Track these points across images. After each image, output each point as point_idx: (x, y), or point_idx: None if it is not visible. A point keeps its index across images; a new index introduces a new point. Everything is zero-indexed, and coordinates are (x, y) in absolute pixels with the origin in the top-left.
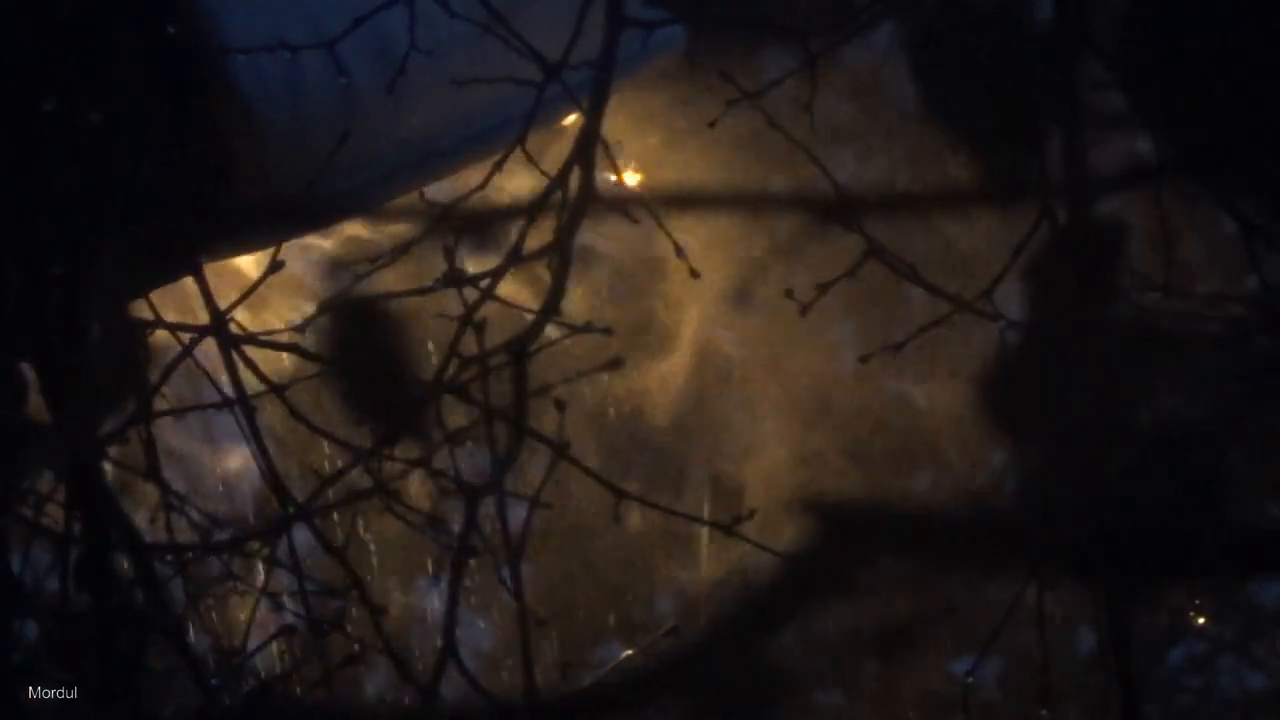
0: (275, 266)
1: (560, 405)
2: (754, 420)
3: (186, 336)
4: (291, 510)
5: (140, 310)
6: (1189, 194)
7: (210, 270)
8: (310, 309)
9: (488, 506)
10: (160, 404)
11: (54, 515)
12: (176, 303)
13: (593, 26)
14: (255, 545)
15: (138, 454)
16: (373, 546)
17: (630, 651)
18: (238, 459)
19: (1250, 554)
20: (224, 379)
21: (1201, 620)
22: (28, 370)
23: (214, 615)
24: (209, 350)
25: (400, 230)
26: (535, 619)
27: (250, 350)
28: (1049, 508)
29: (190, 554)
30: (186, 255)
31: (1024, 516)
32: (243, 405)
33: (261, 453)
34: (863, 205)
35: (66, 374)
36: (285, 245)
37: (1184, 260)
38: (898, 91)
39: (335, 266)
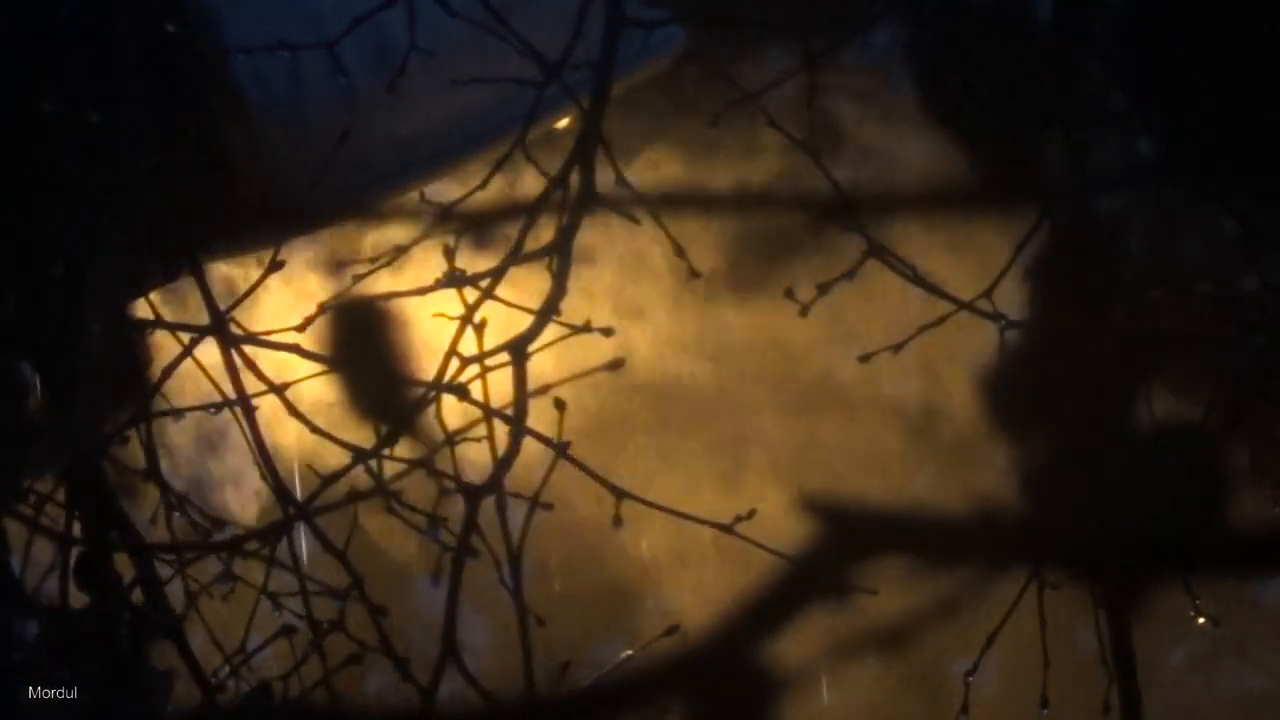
0: (275, 266)
1: (560, 405)
2: (754, 420)
3: (186, 336)
4: (291, 510)
5: (140, 310)
6: (1189, 194)
7: (210, 270)
8: (310, 309)
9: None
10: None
11: (54, 515)
12: (177, 303)
13: (593, 26)
14: (255, 545)
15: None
16: (372, 546)
17: (630, 651)
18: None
19: (1250, 554)
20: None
21: (1201, 620)
22: (28, 370)
23: (214, 615)
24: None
25: (400, 230)
26: (535, 619)
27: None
28: (1049, 508)
29: (190, 554)
30: (186, 255)
31: (1024, 516)
32: (243, 405)
33: (261, 453)
34: (863, 205)
35: (66, 374)
36: (285, 245)
37: (1184, 260)
38: (898, 91)
39: (335, 266)
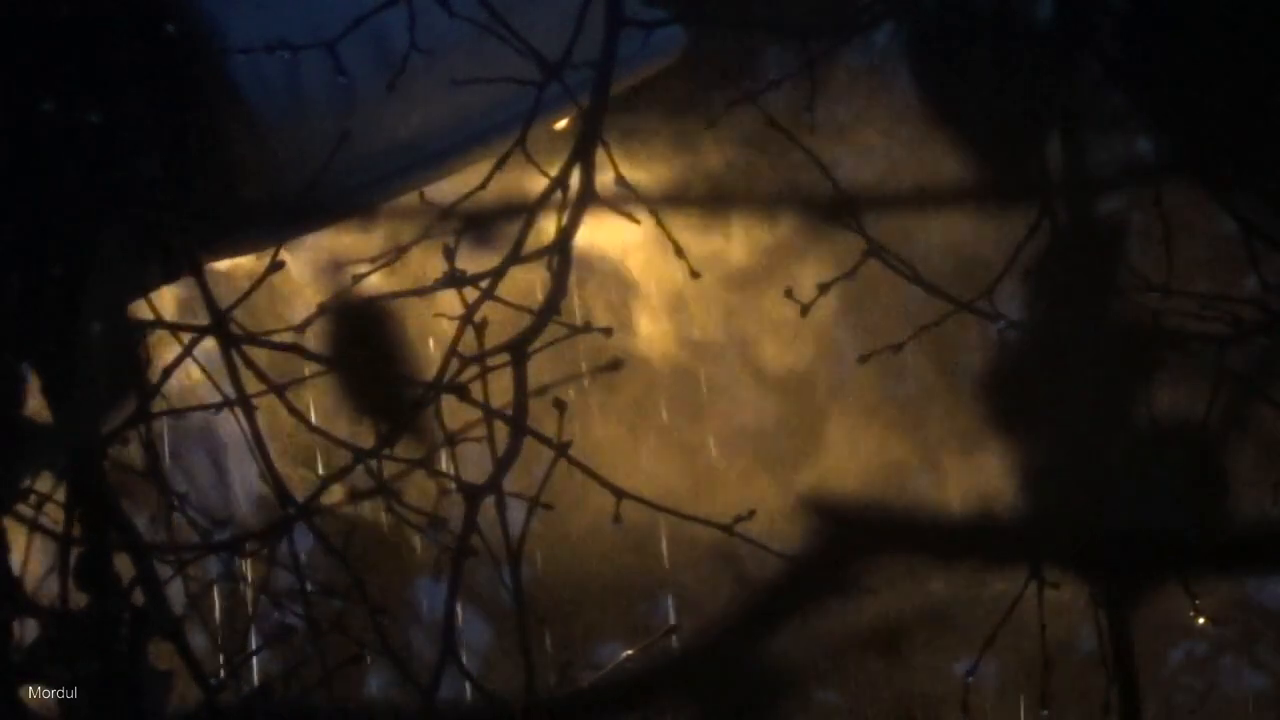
0: (275, 266)
1: (560, 405)
2: (754, 420)
3: (186, 336)
4: (291, 510)
5: (140, 310)
6: (1189, 194)
7: (210, 270)
8: (310, 309)
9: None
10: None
11: (54, 515)
12: (177, 303)
13: (593, 26)
14: (255, 545)
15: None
16: (372, 546)
17: (630, 651)
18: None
19: (1250, 554)
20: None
21: (1201, 620)
22: (28, 370)
23: (214, 615)
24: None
25: (400, 230)
26: (535, 619)
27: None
28: (1049, 508)
29: (190, 554)
30: (186, 255)
31: (1024, 516)
32: (243, 405)
33: (261, 453)
34: (863, 205)
35: (66, 374)
36: (285, 245)
37: (1184, 260)
38: (898, 91)
39: (335, 266)
